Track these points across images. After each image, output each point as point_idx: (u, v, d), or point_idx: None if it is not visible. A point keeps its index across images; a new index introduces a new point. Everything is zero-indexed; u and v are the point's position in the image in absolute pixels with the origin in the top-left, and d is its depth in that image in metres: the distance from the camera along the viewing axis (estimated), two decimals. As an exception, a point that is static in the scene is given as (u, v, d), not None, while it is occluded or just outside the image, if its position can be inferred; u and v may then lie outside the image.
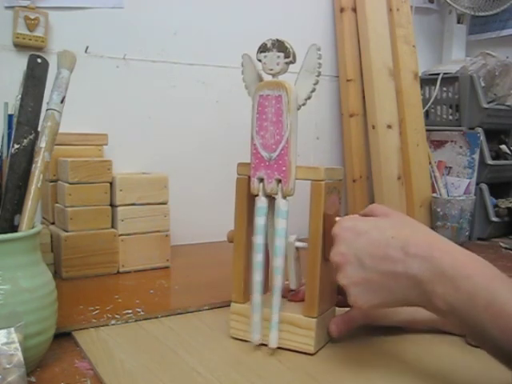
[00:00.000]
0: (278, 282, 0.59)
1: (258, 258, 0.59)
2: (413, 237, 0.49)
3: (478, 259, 0.47)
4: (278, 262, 0.59)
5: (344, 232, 0.53)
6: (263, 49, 0.59)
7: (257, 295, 0.60)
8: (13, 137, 0.56)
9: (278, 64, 0.58)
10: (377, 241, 0.50)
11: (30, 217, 0.54)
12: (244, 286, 0.62)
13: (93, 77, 1.03)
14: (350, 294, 0.51)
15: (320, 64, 0.58)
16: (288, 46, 0.58)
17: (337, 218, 0.57)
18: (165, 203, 0.94)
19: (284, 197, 0.59)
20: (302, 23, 1.27)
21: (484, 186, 1.28)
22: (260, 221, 0.60)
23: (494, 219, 1.30)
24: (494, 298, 0.42)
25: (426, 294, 0.46)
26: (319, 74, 0.58)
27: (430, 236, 0.50)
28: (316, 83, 0.58)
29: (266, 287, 0.66)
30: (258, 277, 0.59)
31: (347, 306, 0.63)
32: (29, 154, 0.56)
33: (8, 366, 0.46)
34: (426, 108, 1.34)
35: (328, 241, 0.57)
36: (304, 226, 0.61)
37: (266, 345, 0.60)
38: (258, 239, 0.60)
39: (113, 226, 0.90)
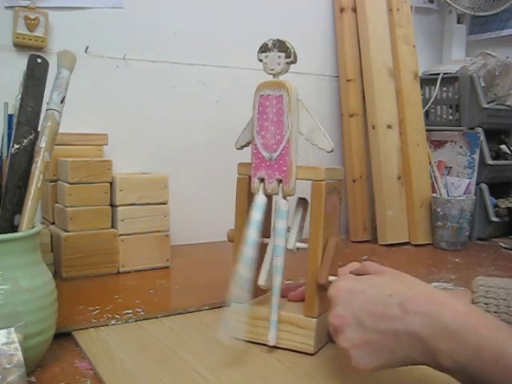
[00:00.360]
0: (277, 281, 0.59)
1: (249, 252, 0.57)
2: (410, 293, 0.47)
3: (480, 311, 0.46)
4: (278, 262, 0.59)
5: (341, 293, 0.52)
6: (264, 49, 0.59)
7: (238, 289, 0.57)
8: (13, 137, 0.56)
9: (278, 64, 0.58)
10: (374, 299, 0.49)
11: (30, 217, 0.54)
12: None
13: (93, 77, 1.03)
14: (351, 357, 0.49)
15: None
16: (289, 46, 0.58)
17: (330, 278, 0.57)
18: (165, 203, 0.94)
19: (284, 197, 0.59)
20: (302, 23, 1.27)
21: (484, 186, 1.28)
22: (256, 216, 0.58)
23: (494, 219, 1.30)
24: (504, 350, 0.40)
25: (429, 352, 0.44)
26: None
27: (427, 291, 0.48)
28: None
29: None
30: (245, 272, 0.57)
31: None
32: (29, 154, 0.56)
33: (8, 366, 0.46)
34: (426, 108, 1.34)
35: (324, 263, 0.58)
36: (304, 226, 0.62)
37: (266, 345, 0.60)
38: (252, 234, 0.58)
39: (113, 226, 0.90)
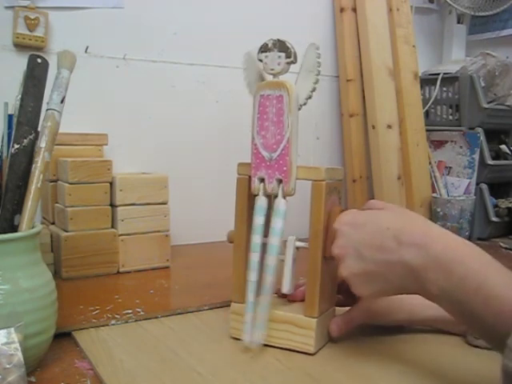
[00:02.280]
0: (268, 281, 0.58)
1: (254, 257, 0.59)
2: (407, 226, 0.51)
3: (470, 245, 0.49)
4: (270, 261, 0.58)
5: (343, 226, 0.55)
6: (264, 49, 0.59)
7: (250, 295, 0.59)
8: (13, 137, 0.56)
9: (279, 64, 0.58)
10: (373, 232, 0.52)
11: (30, 217, 0.54)
12: (244, 285, 0.62)
13: (93, 77, 1.03)
14: (351, 285, 0.54)
15: (319, 63, 0.58)
16: (289, 46, 0.58)
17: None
18: (165, 203, 0.94)
19: (284, 197, 0.59)
20: (302, 23, 1.27)
21: (484, 186, 1.28)
22: (259, 220, 0.59)
23: (494, 219, 1.30)
24: (485, 281, 0.44)
25: (419, 281, 0.48)
26: (319, 73, 0.58)
27: (423, 225, 0.52)
28: (316, 82, 0.58)
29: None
30: (252, 277, 0.59)
31: (347, 305, 0.64)
32: (29, 153, 0.56)
33: (8, 366, 0.46)
34: (426, 108, 1.34)
35: (329, 237, 0.58)
36: (304, 226, 0.62)
37: (267, 345, 0.60)
38: (256, 239, 0.59)
39: (113, 226, 0.90)
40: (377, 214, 0.55)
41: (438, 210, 1.20)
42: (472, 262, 0.46)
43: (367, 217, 0.55)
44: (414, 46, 1.28)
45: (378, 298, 0.58)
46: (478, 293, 0.44)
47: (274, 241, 0.59)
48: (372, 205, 0.58)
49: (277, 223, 0.59)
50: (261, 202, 0.60)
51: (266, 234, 0.61)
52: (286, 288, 0.60)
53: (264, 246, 0.61)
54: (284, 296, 0.66)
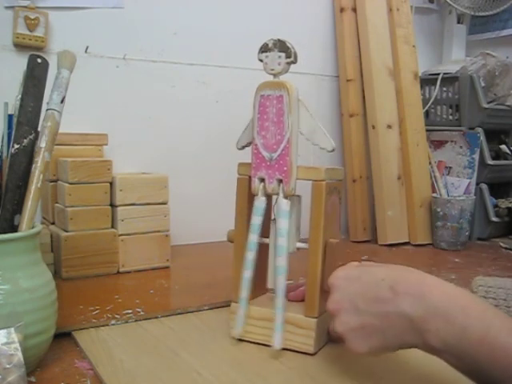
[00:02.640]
0: (281, 282, 0.59)
1: (250, 255, 0.60)
2: (402, 276, 0.50)
3: (468, 293, 0.47)
4: (280, 262, 0.59)
5: (338, 280, 0.54)
6: (264, 49, 0.59)
7: (244, 291, 0.61)
8: (13, 137, 0.56)
9: (279, 64, 0.58)
10: (368, 284, 0.51)
11: (30, 217, 0.54)
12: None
13: (93, 77, 1.03)
14: (347, 341, 0.51)
15: None
16: (289, 46, 0.58)
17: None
18: (165, 203, 0.94)
19: (285, 197, 0.59)
20: (302, 23, 1.27)
21: (484, 186, 1.28)
22: (256, 220, 0.60)
23: (494, 219, 1.30)
24: (488, 330, 0.41)
25: (419, 333, 0.46)
26: None
27: (419, 275, 0.50)
28: None
29: (261, 287, 0.66)
30: (246, 274, 0.60)
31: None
32: (29, 153, 0.56)
33: (8, 366, 0.46)
34: (426, 108, 1.33)
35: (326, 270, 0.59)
36: (304, 226, 0.62)
37: (267, 345, 0.60)
38: (252, 238, 0.60)
39: (113, 226, 0.90)
40: (371, 268, 0.54)
41: (438, 209, 1.20)
42: (472, 309, 0.44)
43: (361, 270, 0.54)
44: (414, 46, 1.28)
45: (376, 356, 0.54)
46: (483, 343, 0.41)
47: (282, 242, 0.59)
48: (367, 263, 0.58)
49: (282, 223, 0.59)
50: (259, 203, 0.60)
51: (264, 233, 0.61)
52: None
53: (260, 246, 0.61)
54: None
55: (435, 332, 0.44)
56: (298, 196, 0.62)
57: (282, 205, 0.59)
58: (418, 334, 0.46)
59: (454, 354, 0.44)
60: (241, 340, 0.62)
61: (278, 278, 0.59)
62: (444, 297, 0.45)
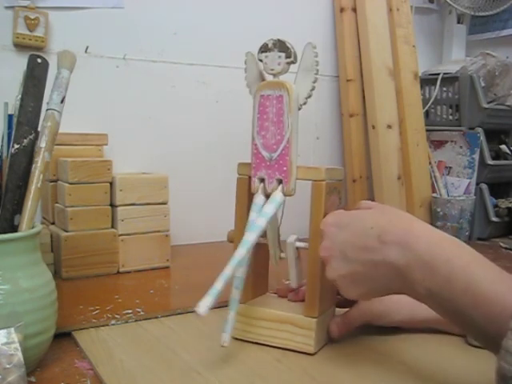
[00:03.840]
0: (250, 237, 0.56)
1: (244, 253, 0.56)
2: (390, 225, 0.50)
3: (454, 242, 0.48)
4: (247, 236, 0.56)
5: (329, 227, 0.55)
6: (264, 49, 0.59)
7: (235, 292, 0.59)
8: (13, 137, 0.56)
9: (279, 64, 0.58)
10: (357, 232, 0.52)
11: (30, 217, 0.54)
12: (244, 285, 0.62)
13: (93, 77, 1.03)
14: (338, 287, 0.53)
15: (317, 62, 0.58)
16: (289, 46, 0.58)
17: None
18: (165, 203, 0.94)
19: (285, 196, 0.59)
20: (302, 23, 1.27)
21: (484, 186, 1.28)
22: (254, 216, 0.58)
23: (494, 219, 1.30)
24: (472, 280, 0.43)
25: (405, 281, 0.47)
26: (317, 72, 0.58)
27: (407, 222, 0.50)
28: (315, 81, 0.58)
29: (261, 287, 0.66)
30: (240, 272, 0.58)
31: (347, 306, 0.63)
32: (29, 153, 0.56)
33: (8, 366, 0.46)
34: (426, 108, 1.34)
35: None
36: (304, 226, 0.62)
37: (267, 345, 0.60)
38: (248, 236, 0.57)
39: (113, 226, 0.90)
40: (361, 214, 0.54)
41: (438, 209, 1.20)
42: (457, 259, 0.45)
43: (352, 217, 0.54)
44: (414, 46, 1.28)
45: (367, 300, 0.57)
46: (466, 293, 0.43)
47: (260, 221, 0.57)
48: (361, 205, 0.58)
49: (268, 208, 0.57)
50: (258, 200, 0.59)
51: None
52: (293, 283, 0.62)
53: (260, 246, 0.61)
54: (284, 296, 0.66)
55: (420, 281, 0.46)
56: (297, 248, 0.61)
57: (277, 196, 0.58)
58: (404, 282, 0.47)
59: (439, 301, 0.45)
60: (241, 340, 0.62)
61: (249, 233, 0.56)
62: (429, 247, 0.46)
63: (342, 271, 0.52)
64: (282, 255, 0.62)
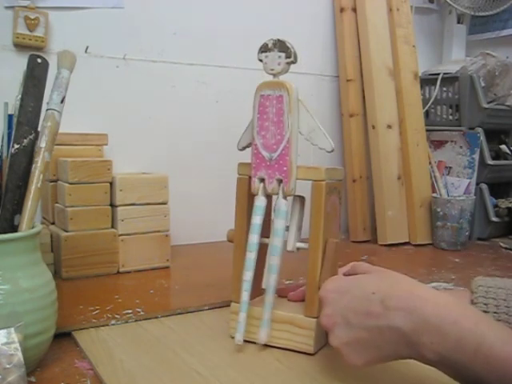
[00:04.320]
0: (272, 280, 0.59)
1: (251, 256, 0.59)
2: (392, 289, 0.49)
3: (459, 302, 0.46)
4: (273, 261, 0.59)
5: (329, 294, 0.54)
6: (264, 49, 0.59)
7: (245, 294, 0.59)
8: (13, 137, 0.56)
9: (279, 64, 0.58)
10: (359, 298, 0.51)
11: (30, 217, 0.54)
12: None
13: (93, 77, 1.03)
14: (342, 355, 0.51)
15: None
16: (289, 46, 0.58)
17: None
18: (165, 203, 0.94)
19: (285, 197, 0.59)
20: (302, 23, 1.27)
21: (484, 186, 1.28)
22: (256, 220, 0.60)
23: (494, 219, 1.30)
24: (483, 341, 0.41)
25: (412, 346, 0.45)
26: None
27: (409, 286, 0.49)
28: None
29: (261, 287, 0.66)
30: (248, 276, 0.59)
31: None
32: (29, 153, 0.56)
33: (8, 366, 0.46)
34: (426, 108, 1.33)
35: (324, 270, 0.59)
36: (304, 226, 0.62)
37: (267, 345, 0.60)
38: (253, 238, 0.60)
39: (113, 226, 0.90)
40: (361, 279, 0.53)
41: (438, 209, 1.20)
42: (464, 320, 0.43)
43: (351, 282, 0.53)
44: (414, 46, 1.28)
45: (372, 366, 0.53)
46: (477, 354, 0.41)
47: (277, 241, 0.59)
48: (356, 268, 0.57)
49: (279, 224, 0.59)
50: (259, 202, 0.60)
51: (263, 233, 0.61)
52: (289, 246, 0.61)
53: (261, 246, 0.61)
54: (284, 296, 0.66)
55: (429, 345, 0.44)
56: (302, 197, 0.62)
57: (281, 205, 0.59)
58: (412, 347, 0.46)
59: (450, 365, 0.44)
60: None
61: (270, 276, 0.59)
62: (436, 310, 0.45)
63: (346, 338, 0.50)
64: (298, 245, 0.61)
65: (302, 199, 0.62)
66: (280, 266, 0.59)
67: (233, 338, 0.62)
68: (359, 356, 0.50)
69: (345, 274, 0.58)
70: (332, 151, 0.59)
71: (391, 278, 0.52)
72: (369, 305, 0.49)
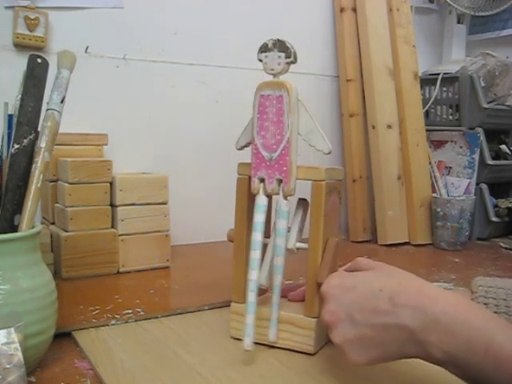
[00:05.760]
0: (277, 281, 0.59)
1: (255, 255, 0.59)
2: (400, 286, 0.48)
3: (469, 302, 0.46)
4: (278, 262, 0.59)
5: (332, 290, 0.53)
6: (264, 49, 0.59)
7: (251, 294, 0.58)
8: (13, 137, 0.56)
9: (279, 64, 0.58)
10: (365, 295, 0.49)
11: (30, 217, 0.54)
12: (244, 285, 0.62)
13: (93, 77, 1.03)
14: (345, 353, 0.50)
15: None
16: (289, 46, 0.58)
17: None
18: (165, 203, 0.94)
19: (285, 197, 0.59)
20: (302, 23, 1.27)
21: (484, 186, 1.28)
22: (259, 218, 0.59)
23: (494, 219, 1.30)
24: (493, 340, 0.41)
25: (420, 344, 0.45)
26: None
27: (417, 284, 0.49)
28: None
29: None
30: (253, 275, 0.58)
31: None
32: (29, 153, 0.56)
33: (8, 366, 0.46)
34: (426, 108, 1.33)
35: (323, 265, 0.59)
36: (305, 227, 0.62)
37: (266, 344, 0.60)
38: (256, 236, 0.59)
39: (113, 226, 0.90)
40: (367, 275, 0.52)
41: (438, 209, 1.20)
42: (474, 319, 0.43)
43: (357, 279, 0.52)
44: (414, 46, 1.28)
45: (375, 365, 0.52)
46: (487, 354, 0.41)
47: (280, 241, 0.59)
48: (359, 264, 0.55)
49: (281, 224, 0.59)
50: (261, 201, 0.59)
51: (264, 233, 0.61)
52: (290, 243, 0.61)
53: (263, 245, 0.61)
54: (284, 296, 0.66)
55: (438, 344, 0.43)
56: (306, 201, 0.62)
57: (282, 205, 0.59)
58: (419, 346, 0.45)
59: (458, 365, 0.43)
60: (241, 340, 0.62)
61: (276, 276, 0.59)
62: (446, 308, 0.44)
63: (350, 336, 0.49)
64: (298, 245, 0.61)
65: (305, 203, 0.62)
66: (284, 266, 0.59)
67: (233, 338, 0.62)
68: (362, 354, 0.49)
69: (347, 270, 0.57)
70: (329, 153, 0.59)
71: (398, 275, 0.51)
72: (376, 302, 0.48)
